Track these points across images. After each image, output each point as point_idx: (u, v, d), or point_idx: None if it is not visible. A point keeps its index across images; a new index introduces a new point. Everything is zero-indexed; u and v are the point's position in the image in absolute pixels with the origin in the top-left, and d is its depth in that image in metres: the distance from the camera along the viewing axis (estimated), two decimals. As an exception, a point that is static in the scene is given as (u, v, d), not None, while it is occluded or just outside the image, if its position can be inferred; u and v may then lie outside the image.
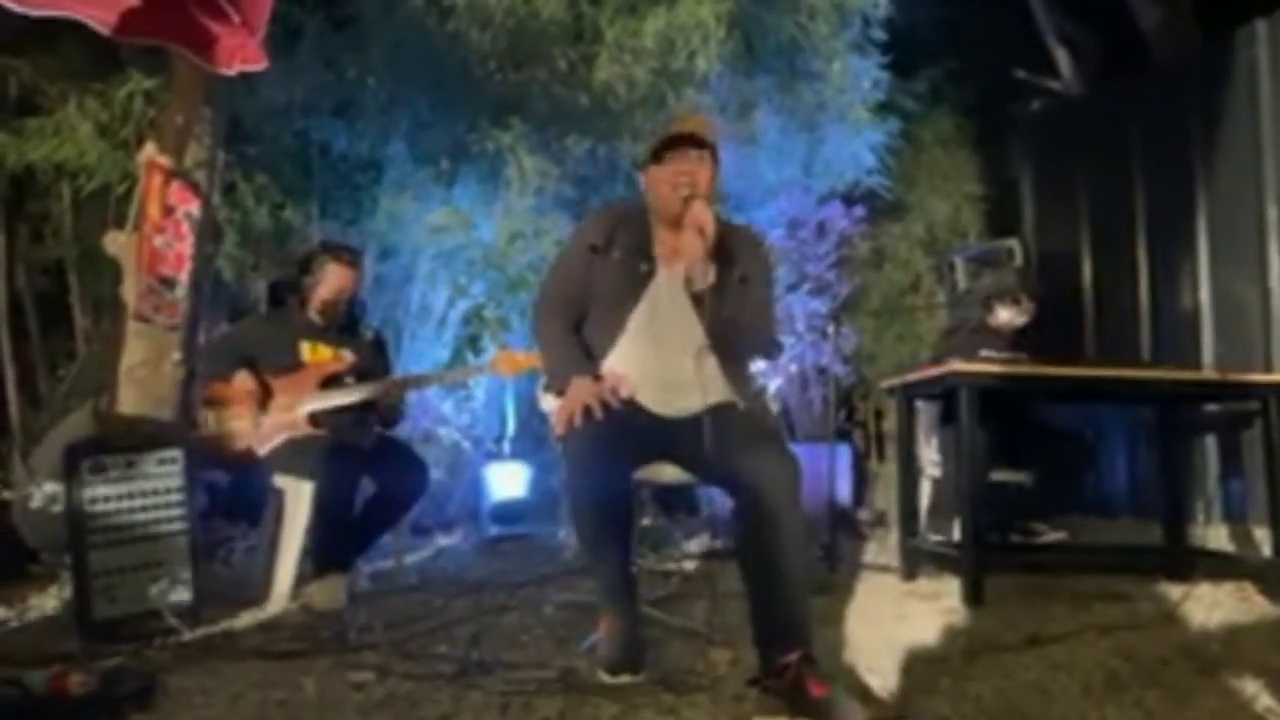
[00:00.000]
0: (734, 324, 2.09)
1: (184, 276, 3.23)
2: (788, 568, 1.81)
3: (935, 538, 3.98)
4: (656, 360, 2.10)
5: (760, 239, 2.27)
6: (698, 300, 2.10)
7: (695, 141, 2.11)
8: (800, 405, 5.86)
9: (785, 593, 1.81)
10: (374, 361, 3.24)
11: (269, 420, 2.97)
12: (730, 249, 2.12)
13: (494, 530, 4.52)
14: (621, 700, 1.81)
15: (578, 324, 2.20)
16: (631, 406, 2.04)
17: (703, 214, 2.03)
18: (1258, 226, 4.15)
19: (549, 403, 2.24)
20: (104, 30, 2.75)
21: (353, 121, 4.80)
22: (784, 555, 1.81)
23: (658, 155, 2.13)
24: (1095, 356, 4.87)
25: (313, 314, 3.14)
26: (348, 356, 3.15)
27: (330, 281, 3.10)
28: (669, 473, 2.18)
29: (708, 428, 1.96)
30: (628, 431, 1.95)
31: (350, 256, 3.17)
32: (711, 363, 2.12)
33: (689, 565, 3.56)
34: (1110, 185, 4.94)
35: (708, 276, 2.05)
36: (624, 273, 2.14)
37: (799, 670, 1.71)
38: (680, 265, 2.13)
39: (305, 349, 3.09)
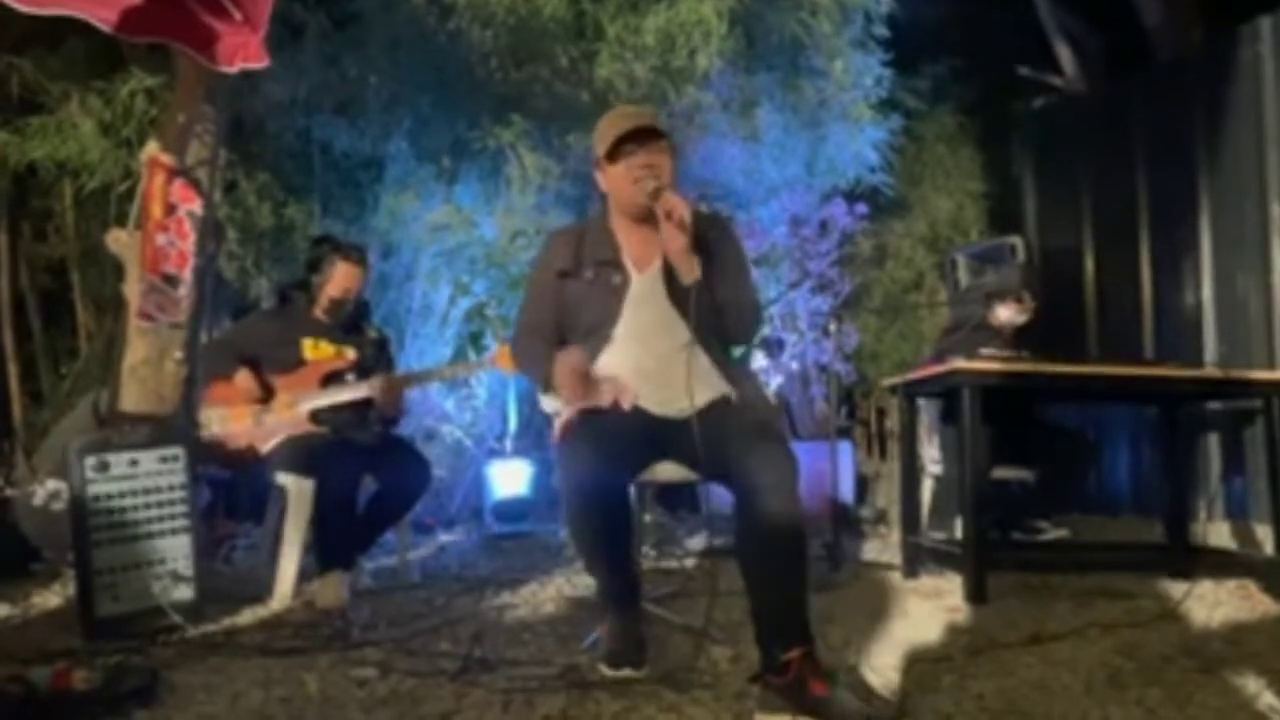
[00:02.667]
0: (724, 310, 2.06)
1: (186, 275, 3.24)
2: (787, 565, 1.81)
3: (937, 535, 3.99)
4: (650, 361, 2.08)
5: (725, 219, 2.21)
6: (680, 296, 2.06)
7: (652, 133, 2.07)
8: (802, 403, 5.86)
9: (786, 590, 1.80)
10: (376, 359, 3.24)
11: (271, 418, 2.97)
12: (703, 237, 2.07)
13: (496, 528, 4.53)
14: (624, 697, 1.81)
15: (560, 344, 2.17)
16: (630, 409, 2.03)
17: (677, 204, 1.96)
18: (1261, 224, 4.15)
19: (550, 403, 2.24)
20: (106, 28, 2.75)
21: (354, 119, 4.80)
22: (783, 553, 1.80)
23: (613, 154, 2.06)
24: (1097, 354, 4.86)
25: (319, 312, 3.14)
26: (350, 354, 3.15)
27: (339, 280, 3.10)
28: (670, 471, 2.17)
29: (705, 426, 1.94)
30: (625, 436, 1.94)
31: (359, 255, 3.17)
32: (702, 358, 2.11)
33: (690, 563, 3.57)
34: (1113, 183, 4.94)
35: (694, 270, 1.98)
36: (599, 289, 2.11)
37: (801, 668, 1.71)
38: (654, 265, 2.12)
39: (307, 346, 3.09)
